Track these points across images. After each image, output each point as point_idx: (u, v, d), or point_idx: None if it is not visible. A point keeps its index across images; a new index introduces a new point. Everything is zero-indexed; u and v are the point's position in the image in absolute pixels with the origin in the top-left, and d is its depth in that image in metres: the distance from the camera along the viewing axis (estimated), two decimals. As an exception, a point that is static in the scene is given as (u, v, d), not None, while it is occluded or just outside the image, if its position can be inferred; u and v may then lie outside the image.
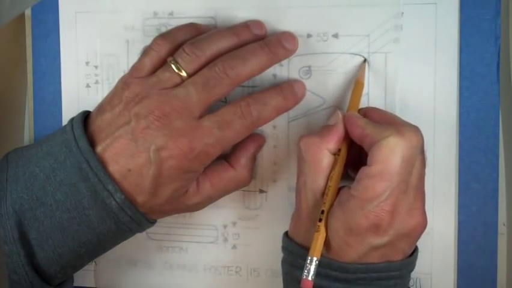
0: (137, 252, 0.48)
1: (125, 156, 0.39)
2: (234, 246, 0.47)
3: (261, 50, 0.41)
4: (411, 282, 0.44)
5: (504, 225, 0.43)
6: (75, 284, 0.47)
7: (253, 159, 0.44)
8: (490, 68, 0.42)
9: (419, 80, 0.42)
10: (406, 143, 0.36)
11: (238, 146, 0.44)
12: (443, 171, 0.43)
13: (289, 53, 0.42)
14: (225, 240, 0.47)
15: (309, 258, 0.37)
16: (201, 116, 0.40)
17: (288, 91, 0.42)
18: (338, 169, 0.38)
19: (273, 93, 0.41)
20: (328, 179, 0.38)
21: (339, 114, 0.39)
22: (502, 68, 0.42)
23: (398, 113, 0.43)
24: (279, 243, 0.41)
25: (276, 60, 0.42)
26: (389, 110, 0.43)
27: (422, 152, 0.38)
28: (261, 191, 0.46)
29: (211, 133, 0.39)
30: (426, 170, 0.42)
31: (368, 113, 0.40)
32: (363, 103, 0.43)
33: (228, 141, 0.40)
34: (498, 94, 0.42)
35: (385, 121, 0.39)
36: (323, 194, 0.38)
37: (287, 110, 0.42)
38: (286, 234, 0.41)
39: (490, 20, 0.41)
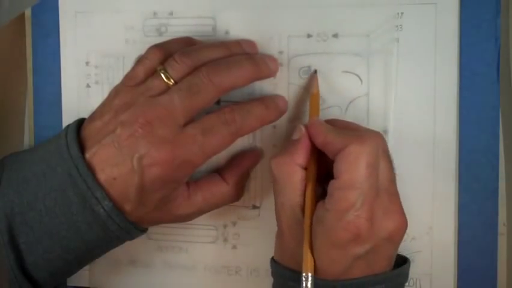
0: (136, 251, 0.48)
1: (111, 165, 0.39)
2: (234, 246, 0.47)
3: (246, 61, 0.41)
4: (411, 282, 0.44)
5: (504, 225, 0.43)
6: (70, 284, 0.47)
7: (247, 176, 0.45)
8: (490, 68, 0.42)
9: (419, 80, 0.42)
10: (368, 149, 0.36)
11: (233, 161, 0.44)
12: (443, 171, 0.43)
13: (271, 73, 0.43)
14: (225, 240, 0.47)
15: (304, 275, 0.36)
16: (185, 124, 0.39)
17: (270, 102, 0.42)
18: (310, 184, 0.38)
19: (256, 102, 0.42)
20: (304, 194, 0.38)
21: (302, 128, 0.39)
22: (502, 68, 0.42)
23: (397, 113, 0.43)
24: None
25: (259, 74, 0.42)
26: (388, 110, 0.43)
27: (386, 156, 0.38)
28: (261, 191, 0.46)
29: (194, 140, 0.39)
30: (427, 170, 0.42)
31: (330, 123, 0.40)
32: (364, 103, 0.43)
33: (212, 149, 0.40)
34: (498, 94, 0.42)
35: (347, 129, 0.39)
36: (303, 210, 0.38)
37: (269, 121, 0.42)
38: (272, 259, 0.41)
39: (490, 20, 0.41)
